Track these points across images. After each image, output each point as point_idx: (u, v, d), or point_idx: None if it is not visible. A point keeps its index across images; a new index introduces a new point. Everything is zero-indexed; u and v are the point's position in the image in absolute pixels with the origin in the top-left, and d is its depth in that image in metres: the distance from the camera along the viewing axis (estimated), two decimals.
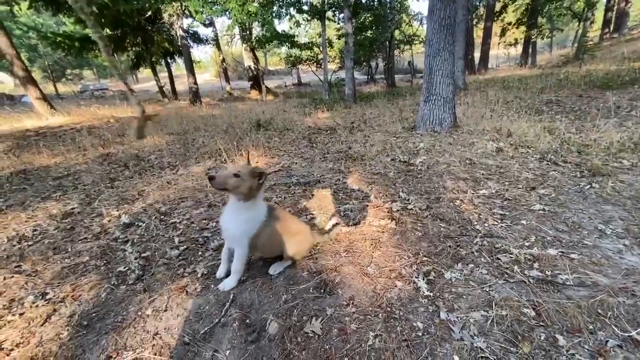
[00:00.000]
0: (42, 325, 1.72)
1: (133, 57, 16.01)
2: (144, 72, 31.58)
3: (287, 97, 14.01)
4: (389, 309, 1.66)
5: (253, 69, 16.81)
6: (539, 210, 2.55)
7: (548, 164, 3.52)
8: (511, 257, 2.00)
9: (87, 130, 7.45)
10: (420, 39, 17.40)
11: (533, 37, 19.96)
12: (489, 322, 1.54)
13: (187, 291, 1.90)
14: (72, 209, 3.22)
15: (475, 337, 1.46)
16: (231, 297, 1.81)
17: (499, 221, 2.44)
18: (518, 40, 23.70)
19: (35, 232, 2.78)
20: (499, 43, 26.05)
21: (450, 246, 2.17)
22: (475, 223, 2.44)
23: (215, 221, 2.75)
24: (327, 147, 5.03)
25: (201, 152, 5.22)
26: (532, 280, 1.79)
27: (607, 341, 1.39)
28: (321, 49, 13.38)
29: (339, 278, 1.92)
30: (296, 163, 4.35)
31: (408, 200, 2.90)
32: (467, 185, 3.16)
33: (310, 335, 1.53)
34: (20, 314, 1.81)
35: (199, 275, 2.03)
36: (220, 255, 2.01)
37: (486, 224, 2.41)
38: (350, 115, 8.06)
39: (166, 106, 12.36)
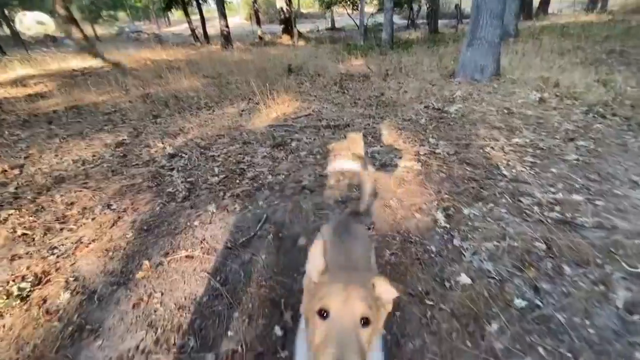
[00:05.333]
0: (110, 227, 2.08)
1: None
2: (176, 15, 31.02)
3: (319, 43, 13.34)
4: (406, 234, 1.83)
5: (285, 10, 15.95)
6: (573, 160, 2.50)
7: (594, 117, 3.31)
8: (533, 200, 2.04)
9: (128, 71, 7.74)
10: None
11: None
12: (500, 250, 1.66)
13: (227, 210, 2.16)
14: (123, 140, 3.56)
15: (484, 262, 1.60)
16: (264, 216, 2.05)
17: (528, 168, 2.43)
18: None
19: (94, 157, 3.15)
20: None
21: (473, 187, 2.24)
22: (503, 169, 2.45)
23: (249, 156, 2.96)
24: (358, 94, 4.96)
25: (234, 94, 5.34)
26: (551, 220, 1.85)
27: (612, 273, 1.48)
28: None
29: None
30: (326, 108, 4.38)
31: (437, 145, 2.92)
32: (500, 134, 3.09)
33: None
34: (93, 219, 2.17)
35: (238, 198, 2.28)
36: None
37: (514, 170, 2.42)
38: (386, 62, 7.67)
39: (199, 50, 12.37)
